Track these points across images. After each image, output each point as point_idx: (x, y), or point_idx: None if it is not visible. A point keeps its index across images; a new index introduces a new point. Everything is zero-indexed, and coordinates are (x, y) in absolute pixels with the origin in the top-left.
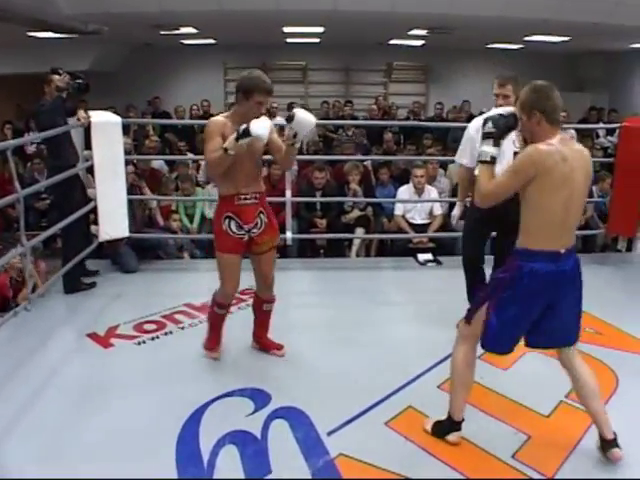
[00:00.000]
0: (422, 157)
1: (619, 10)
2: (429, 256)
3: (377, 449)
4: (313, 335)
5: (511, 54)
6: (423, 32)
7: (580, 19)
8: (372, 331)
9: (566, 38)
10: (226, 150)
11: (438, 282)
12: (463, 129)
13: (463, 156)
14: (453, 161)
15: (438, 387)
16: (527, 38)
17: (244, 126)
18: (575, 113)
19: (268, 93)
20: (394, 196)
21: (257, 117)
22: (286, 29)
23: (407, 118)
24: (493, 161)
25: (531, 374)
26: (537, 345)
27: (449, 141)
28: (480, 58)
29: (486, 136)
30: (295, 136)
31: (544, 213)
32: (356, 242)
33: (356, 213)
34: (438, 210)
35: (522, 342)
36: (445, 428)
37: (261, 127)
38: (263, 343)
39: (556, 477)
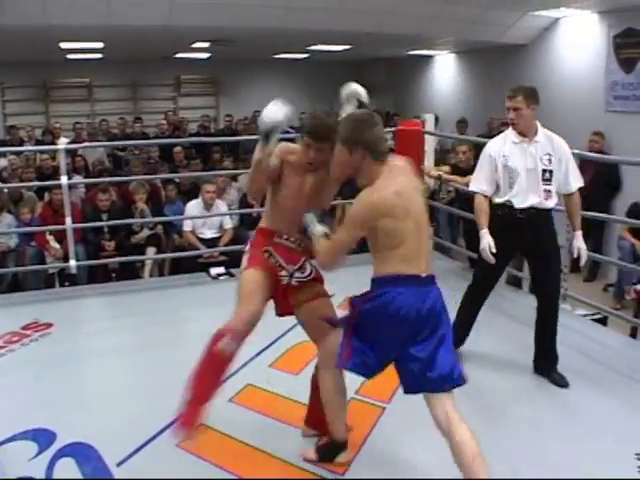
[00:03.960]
0: (213, 172)
1: (388, 20)
2: (221, 270)
3: (169, 473)
4: (106, 362)
5: (299, 63)
6: (206, 45)
7: (354, 29)
8: (167, 351)
9: (347, 47)
10: (260, 161)
11: (230, 295)
12: (253, 141)
13: (480, 183)
14: (244, 172)
15: (229, 401)
16: (310, 47)
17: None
18: None
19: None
20: (183, 212)
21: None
22: (63, 45)
23: (198, 132)
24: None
25: None
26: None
27: (240, 152)
28: (268, 68)
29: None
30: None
31: (397, 241)
32: (148, 262)
33: (146, 232)
34: (228, 224)
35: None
36: (332, 451)
37: (269, 111)
38: (323, 427)
39: (347, 474)
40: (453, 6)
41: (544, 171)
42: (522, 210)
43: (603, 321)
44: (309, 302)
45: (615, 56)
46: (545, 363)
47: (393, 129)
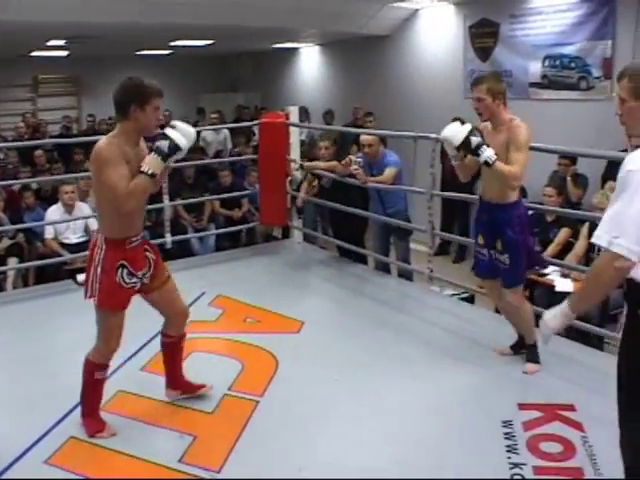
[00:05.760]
0: (74, 175)
1: (249, 13)
2: None
3: None
4: None
5: (164, 59)
6: (62, 42)
7: (215, 22)
8: (36, 365)
9: (210, 42)
10: (152, 175)
11: None
12: None
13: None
14: None
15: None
16: (173, 43)
17: (166, 141)
18: (230, 114)
19: (162, 95)
20: (43, 218)
21: (157, 126)
22: None
23: (60, 134)
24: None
25: (195, 374)
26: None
27: None
28: (132, 65)
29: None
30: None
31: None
32: (11, 273)
33: (6, 242)
34: (94, 225)
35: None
36: (535, 351)
37: (189, 133)
38: (186, 386)
39: (224, 469)
40: None
41: None
42: None
43: (471, 299)
44: (161, 287)
45: (471, 45)
46: None
47: (257, 122)
